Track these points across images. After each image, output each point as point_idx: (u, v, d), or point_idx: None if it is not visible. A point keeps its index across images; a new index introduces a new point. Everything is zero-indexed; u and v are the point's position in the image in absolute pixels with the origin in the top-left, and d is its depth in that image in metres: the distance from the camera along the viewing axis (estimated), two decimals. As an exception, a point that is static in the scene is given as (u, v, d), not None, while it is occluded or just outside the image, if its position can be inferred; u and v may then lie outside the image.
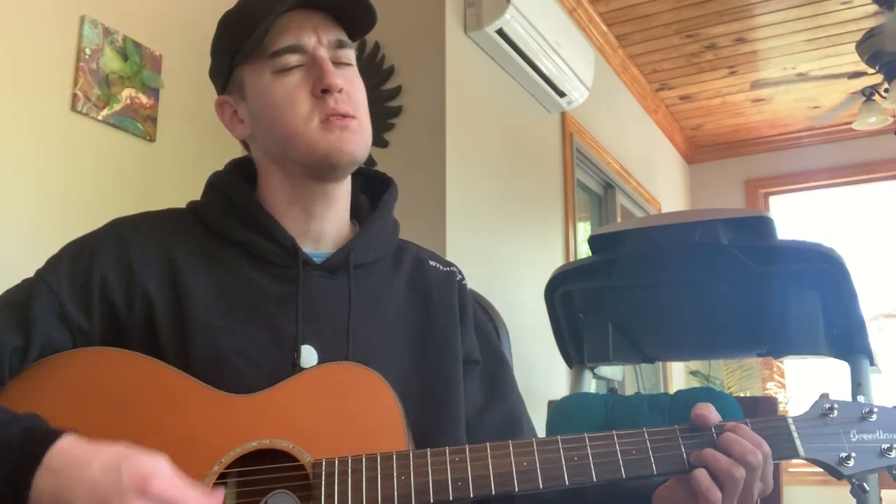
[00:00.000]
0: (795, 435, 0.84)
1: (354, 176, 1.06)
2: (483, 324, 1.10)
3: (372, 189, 1.09)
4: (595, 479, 0.80)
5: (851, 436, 0.85)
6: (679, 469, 0.82)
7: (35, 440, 0.73)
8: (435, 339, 1.00)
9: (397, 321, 0.99)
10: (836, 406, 0.86)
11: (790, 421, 0.85)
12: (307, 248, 0.98)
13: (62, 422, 0.78)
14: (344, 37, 0.97)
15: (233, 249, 0.96)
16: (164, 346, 0.88)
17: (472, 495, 0.78)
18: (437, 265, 1.08)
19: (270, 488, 0.80)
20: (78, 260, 0.91)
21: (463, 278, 1.10)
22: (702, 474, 0.80)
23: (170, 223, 0.98)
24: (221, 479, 0.81)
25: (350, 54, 0.98)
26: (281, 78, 0.94)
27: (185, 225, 0.98)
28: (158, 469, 0.71)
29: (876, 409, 0.86)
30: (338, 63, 0.95)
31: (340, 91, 0.93)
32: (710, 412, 0.84)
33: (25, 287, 0.90)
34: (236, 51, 0.96)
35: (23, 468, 0.71)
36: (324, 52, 0.94)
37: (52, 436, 0.73)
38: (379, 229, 1.03)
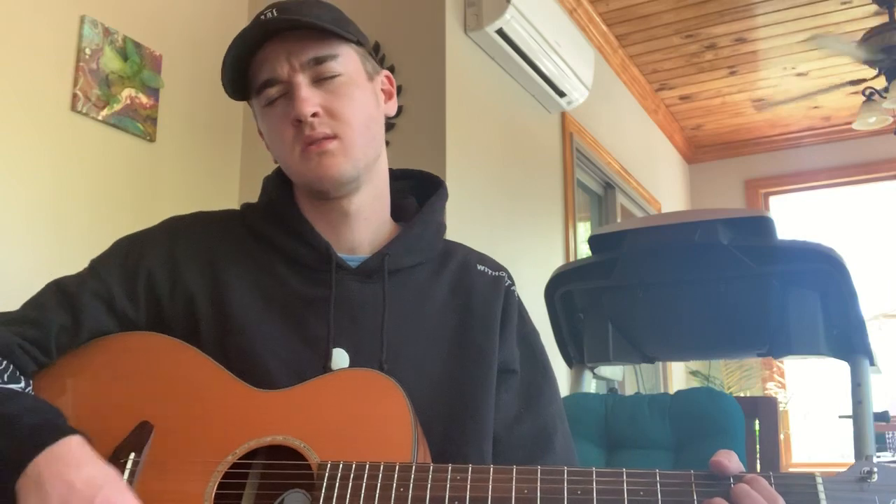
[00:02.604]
0: (822, 496, 0.75)
1: (403, 178, 1.09)
2: (529, 333, 1.07)
3: (423, 191, 1.09)
4: None
5: None
6: None
7: (45, 430, 0.77)
8: (470, 347, 0.98)
9: (435, 327, 0.99)
10: (875, 470, 0.76)
11: (819, 480, 0.77)
12: (343, 253, 0.99)
13: (94, 396, 0.88)
14: (323, 51, 0.93)
15: (271, 252, 0.98)
16: (204, 341, 0.92)
17: None
18: (486, 269, 1.07)
19: (282, 483, 0.82)
20: (129, 253, 0.97)
21: (512, 284, 1.07)
22: None
23: (219, 224, 1.02)
24: (244, 470, 0.83)
25: (334, 66, 0.94)
26: (269, 111, 0.95)
27: (232, 226, 1.01)
28: None
29: None
30: (321, 80, 0.93)
31: (316, 115, 0.92)
32: (729, 461, 0.77)
33: (79, 275, 0.96)
34: (232, 92, 0.99)
35: (26, 450, 0.75)
36: (300, 78, 0.92)
37: (63, 431, 0.78)
38: (420, 234, 1.02)
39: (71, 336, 0.90)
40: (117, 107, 2.13)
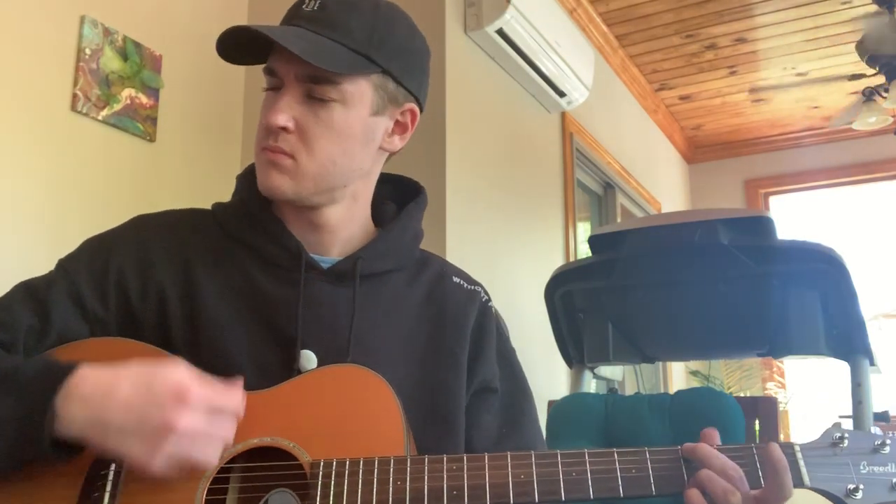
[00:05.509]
0: (802, 463, 0.82)
1: (383, 183, 1.05)
2: (507, 351, 1.06)
3: (402, 196, 1.07)
4: (592, 496, 0.78)
5: (861, 467, 0.82)
6: (679, 490, 0.80)
7: (53, 370, 0.78)
8: (442, 356, 0.98)
9: (407, 334, 0.98)
10: (846, 436, 0.84)
11: (797, 448, 0.84)
12: (318, 254, 0.98)
13: None
14: (325, 72, 0.88)
15: (243, 251, 0.97)
16: (175, 340, 0.90)
17: None
18: (462, 283, 1.06)
19: (272, 485, 0.81)
20: (98, 251, 0.95)
21: (489, 300, 1.06)
22: (694, 496, 0.79)
23: (189, 223, 1.00)
24: (225, 474, 0.81)
25: (330, 91, 0.89)
26: (265, 94, 0.94)
27: (203, 225, 1.00)
28: (185, 377, 0.77)
29: (889, 441, 0.84)
30: (311, 98, 0.90)
31: (286, 129, 0.89)
32: (714, 441, 0.84)
33: (47, 275, 0.94)
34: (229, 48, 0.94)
35: (46, 393, 0.76)
36: (292, 85, 0.90)
37: (69, 366, 0.78)
38: (396, 238, 1.01)
39: (38, 338, 0.88)
40: (117, 107, 2.13)
